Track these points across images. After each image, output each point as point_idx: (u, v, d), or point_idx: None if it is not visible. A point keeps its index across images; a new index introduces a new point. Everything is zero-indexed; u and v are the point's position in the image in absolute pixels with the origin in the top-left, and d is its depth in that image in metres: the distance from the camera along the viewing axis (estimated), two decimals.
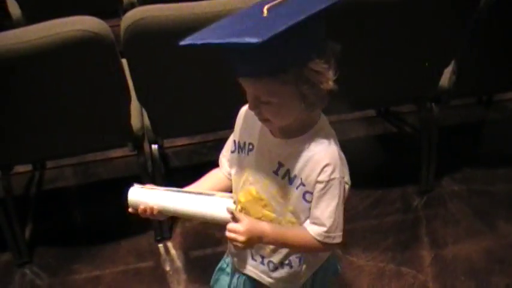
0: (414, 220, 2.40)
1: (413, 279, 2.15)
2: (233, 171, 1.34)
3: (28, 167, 2.79)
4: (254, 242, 1.22)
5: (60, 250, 2.38)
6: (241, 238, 1.18)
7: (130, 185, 1.30)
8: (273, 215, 1.27)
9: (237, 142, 1.31)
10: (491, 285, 2.11)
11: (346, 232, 1.26)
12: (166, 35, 1.74)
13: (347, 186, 1.24)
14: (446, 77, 2.28)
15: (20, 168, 2.67)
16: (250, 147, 1.28)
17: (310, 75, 1.08)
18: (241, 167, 1.31)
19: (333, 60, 1.10)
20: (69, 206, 2.63)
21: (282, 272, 1.36)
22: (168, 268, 2.26)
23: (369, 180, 2.50)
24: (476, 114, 3.06)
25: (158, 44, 1.78)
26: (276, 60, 1.05)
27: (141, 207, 1.26)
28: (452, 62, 2.24)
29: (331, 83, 1.10)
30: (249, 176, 1.29)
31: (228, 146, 1.36)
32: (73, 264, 2.30)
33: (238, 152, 1.31)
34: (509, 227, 2.34)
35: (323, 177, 1.18)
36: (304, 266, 1.37)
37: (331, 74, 1.09)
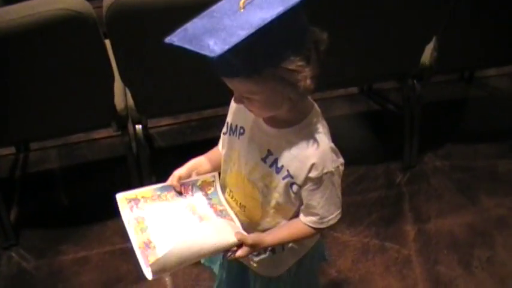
0: (397, 196, 2.43)
1: (397, 254, 2.18)
2: (223, 151, 1.34)
3: (12, 150, 2.78)
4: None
5: (46, 232, 2.39)
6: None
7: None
8: (259, 200, 1.28)
9: (229, 124, 1.31)
10: (473, 258, 2.15)
11: None
12: (148, 13, 1.74)
13: (341, 168, 1.22)
14: (427, 54, 2.30)
15: (4, 151, 2.65)
16: (242, 131, 1.27)
17: (285, 75, 1.04)
18: (231, 149, 1.31)
19: (315, 53, 1.07)
20: (55, 187, 2.61)
21: (264, 257, 1.38)
22: None
23: (353, 157, 2.45)
24: (458, 91, 3.07)
25: (140, 22, 1.78)
26: (247, 63, 1.02)
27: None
28: (434, 39, 2.25)
29: (308, 81, 1.06)
30: (237, 159, 1.29)
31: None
32: (59, 246, 2.30)
33: (230, 134, 1.31)
34: (490, 201, 2.38)
35: (314, 174, 1.17)
36: (287, 253, 1.38)
37: (308, 71, 1.06)
